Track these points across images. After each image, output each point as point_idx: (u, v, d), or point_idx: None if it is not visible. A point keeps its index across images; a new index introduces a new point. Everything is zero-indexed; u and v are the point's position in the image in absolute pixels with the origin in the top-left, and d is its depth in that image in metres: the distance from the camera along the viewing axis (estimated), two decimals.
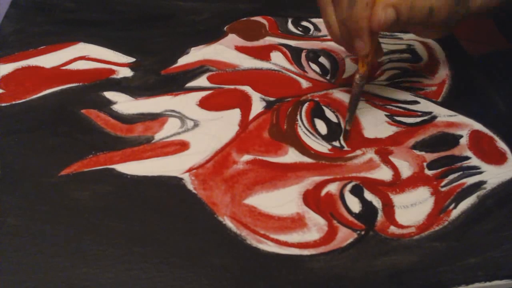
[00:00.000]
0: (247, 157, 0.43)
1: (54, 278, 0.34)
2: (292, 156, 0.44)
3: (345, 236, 0.38)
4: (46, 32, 0.54)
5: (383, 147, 0.45)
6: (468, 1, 0.41)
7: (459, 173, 0.43)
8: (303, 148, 0.44)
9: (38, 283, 0.34)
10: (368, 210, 0.40)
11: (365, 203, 0.40)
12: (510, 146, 0.46)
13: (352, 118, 0.46)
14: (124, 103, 0.47)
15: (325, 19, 0.44)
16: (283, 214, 0.39)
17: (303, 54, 0.54)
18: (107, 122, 0.45)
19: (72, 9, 0.58)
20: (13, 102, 0.46)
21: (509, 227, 0.40)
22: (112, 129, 0.44)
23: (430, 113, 0.49)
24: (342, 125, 0.46)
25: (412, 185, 0.42)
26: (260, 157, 0.43)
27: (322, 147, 0.45)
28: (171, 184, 0.41)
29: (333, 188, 0.41)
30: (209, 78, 0.50)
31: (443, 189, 0.42)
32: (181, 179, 0.41)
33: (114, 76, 0.50)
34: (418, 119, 0.48)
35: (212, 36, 0.56)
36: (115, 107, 0.47)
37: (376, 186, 0.42)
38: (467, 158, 0.45)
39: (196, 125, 0.46)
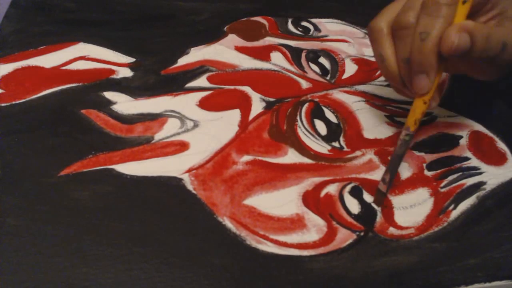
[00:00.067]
0: (246, 158, 0.43)
1: (54, 278, 0.34)
2: (291, 156, 0.44)
3: (344, 237, 0.38)
4: (46, 32, 0.54)
5: (383, 148, 0.45)
6: None
7: (458, 174, 0.43)
8: (303, 149, 0.44)
9: (38, 283, 0.34)
10: (367, 211, 0.40)
11: (364, 204, 0.40)
12: (510, 147, 0.46)
13: (392, 182, 0.40)
14: (124, 103, 0.47)
15: (378, 51, 0.40)
16: (283, 214, 0.39)
17: (303, 55, 0.54)
18: (107, 122, 0.45)
19: (72, 9, 0.58)
20: (13, 102, 0.46)
21: (509, 228, 0.40)
22: (112, 129, 0.44)
23: (430, 113, 0.49)
24: (342, 126, 0.46)
25: (411, 186, 0.42)
26: (260, 158, 0.43)
27: (322, 147, 0.45)
28: (171, 184, 0.41)
29: (332, 189, 0.41)
30: (209, 78, 0.50)
31: (442, 190, 0.42)
32: (180, 179, 0.41)
33: (114, 76, 0.50)
34: None
35: (212, 36, 0.56)
36: (115, 107, 0.47)
37: (376, 186, 0.42)
38: (467, 158, 0.45)
39: (196, 125, 0.46)
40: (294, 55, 0.54)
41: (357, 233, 0.38)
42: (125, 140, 0.44)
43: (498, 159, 0.45)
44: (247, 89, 0.50)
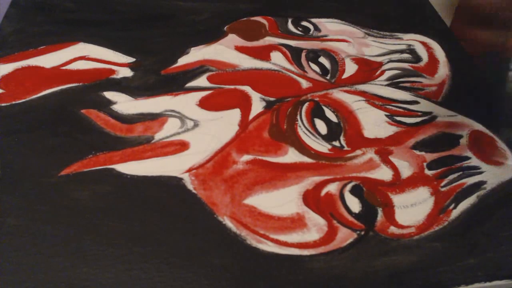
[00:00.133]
0: (247, 157, 0.43)
1: (54, 278, 0.34)
2: (292, 156, 0.44)
3: (345, 236, 0.38)
4: (46, 32, 0.54)
5: (383, 147, 0.45)
6: None
7: (459, 173, 0.43)
8: (303, 148, 0.44)
9: (38, 283, 0.34)
10: (368, 210, 0.40)
11: (365, 203, 0.40)
12: (510, 146, 0.46)
13: None
14: (124, 103, 0.47)
15: None
16: (283, 214, 0.39)
17: (303, 54, 0.54)
18: (107, 122, 0.45)
19: (72, 9, 0.58)
20: (13, 102, 0.46)
21: (509, 227, 0.40)
22: (112, 129, 0.44)
23: (430, 113, 0.49)
24: (342, 125, 0.46)
25: (412, 185, 0.42)
26: (260, 157, 0.43)
27: (322, 147, 0.45)
28: (171, 184, 0.41)
29: (333, 188, 0.41)
30: (209, 78, 0.50)
31: (443, 189, 0.42)
32: (181, 179, 0.41)
33: (114, 76, 0.50)
34: (418, 119, 0.48)
35: (212, 36, 0.56)
36: (115, 107, 0.47)
37: (376, 186, 0.42)
38: (467, 158, 0.45)
39: (196, 125, 0.46)
40: (294, 54, 0.54)
41: (358, 232, 0.38)
42: (125, 140, 0.44)
43: (498, 159, 0.45)
44: (247, 88, 0.50)
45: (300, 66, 0.53)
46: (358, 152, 0.45)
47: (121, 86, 0.49)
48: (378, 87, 0.51)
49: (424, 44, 0.58)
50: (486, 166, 0.44)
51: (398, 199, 0.41)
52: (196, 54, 0.53)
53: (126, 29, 0.56)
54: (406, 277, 0.36)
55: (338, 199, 0.40)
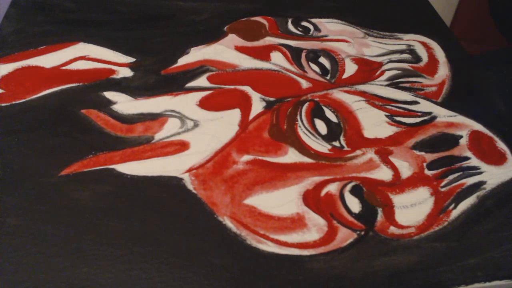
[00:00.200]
0: (247, 157, 0.43)
1: (54, 278, 0.34)
2: (292, 156, 0.44)
3: (345, 236, 0.38)
4: (46, 32, 0.54)
5: (383, 147, 0.45)
6: None
7: (459, 174, 0.43)
8: (303, 148, 0.44)
9: (38, 283, 0.34)
10: (368, 210, 0.40)
11: (365, 203, 0.40)
12: (510, 147, 0.46)
13: None
14: (124, 103, 0.47)
15: None
16: (283, 214, 0.39)
17: (303, 54, 0.54)
18: (107, 122, 0.45)
19: (72, 9, 0.58)
20: (13, 102, 0.46)
21: (509, 227, 0.40)
22: (112, 129, 0.44)
23: (430, 113, 0.49)
24: (342, 126, 0.46)
25: (412, 185, 0.42)
26: (260, 157, 0.43)
27: (322, 147, 0.45)
28: (171, 184, 0.41)
29: (333, 188, 0.41)
30: (209, 78, 0.50)
31: (443, 190, 0.42)
32: (181, 179, 0.41)
33: (114, 76, 0.50)
34: (418, 120, 0.48)
35: (212, 36, 0.56)
36: (115, 107, 0.47)
37: (376, 186, 0.42)
38: (467, 158, 0.45)
39: (196, 125, 0.46)
40: (294, 55, 0.54)
41: (358, 232, 0.38)
42: (125, 140, 0.44)
43: (498, 159, 0.45)
44: (247, 89, 0.50)
45: (300, 66, 0.53)
46: (358, 152, 0.45)
47: (121, 86, 0.49)
48: (378, 87, 0.51)
49: (424, 44, 0.58)
50: (486, 166, 0.44)
51: (398, 199, 0.41)
52: (196, 54, 0.53)
53: (126, 29, 0.56)
54: (406, 277, 0.36)
55: (338, 199, 0.40)
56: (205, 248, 0.37)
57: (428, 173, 0.43)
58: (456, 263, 0.37)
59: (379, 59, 0.55)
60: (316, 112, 0.48)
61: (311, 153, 0.44)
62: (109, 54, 0.52)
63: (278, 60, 0.54)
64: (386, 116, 0.48)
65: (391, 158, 0.44)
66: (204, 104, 0.48)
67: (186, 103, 0.48)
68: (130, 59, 0.52)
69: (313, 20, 0.60)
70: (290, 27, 0.59)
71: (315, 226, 0.39)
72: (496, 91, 0.52)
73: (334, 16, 0.61)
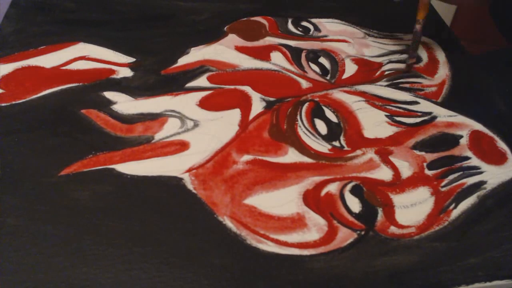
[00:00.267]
0: (247, 157, 0.43)
1: (54, 278, 0.34)
2: (292, 156, 0.44)
3: (345, 236, 0.38)
4: (46, 32, 0.54)
5: (383, 147, 0.45)
6: None
7: (459, 173, 0.43)
8: (303, 148, 0.44)
9: (38, 283, 0.34)
10: (368, 210, 0.40)
11: (365, 203, 0.40)
12: (510, 146, 0.46)
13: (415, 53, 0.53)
14: (124, 103, 0.47)
15: None
16: (283, 214, 0.39)
17: (303, 54, 0.54)
18: (107, 122, 0.45)
19: (72, 9, 0.58)
20: (13, 102, 0.46)
21: (509, 227, 0.40)
22: (112, 129, 0.44)
23: (430, 113, 0.49)
24: (342, 126, 0.46)
25: (412, 185, 0.42)
26: (260, 157, 0.43)
27: (322, 147, 0.45)
28: (171, 184, 0.41)
29: (333, 188, 0.41)
30: (209, 78, 0.50)
31: (443, 189, 0.42)
32: (181, 179, 0.41)
33: (114, 76, 0.50)
34: (418, 119, 0.48)
35: (212, 36, 0.56)
36: (115, 107, 0.47)
37: (376, 186, 0.42)
38: (467, 158, 0.45)
39: (196, 125, 0.46)
40: (294, 55, 0.54)
41: (358, 232, 0.38)
42: (125, 140, 0.44)
43: (498, 159, 0.45)
44: (247, 89, 0.50)
45: (300, 66, 0.53)
46: (358, 152, 0.45)
47: (121, 86, 0.49)
48: (378, 88, 0.51)
49: (424, 44, 0.58)
50: (486, 166, 0.44)
51: (398, 199, 0.41)
52: (196, 54, 0.53)
53: (126, 29, 0.56)
54: (406, 277, 0.36)
55: (338, 199, 0.40)
56: (205, 248, 0.37)
57: (428, 173, 0.43)
58: (456, 263, 0.37)
59: (379, 60, 0.55)
60: (316, 112, 0.47)
61: (311, 153, 0.44)
62: (109, 54, 0.52)
63: (278, 60, 0.54)
64: (386, 116, 0.48)
65: (391, 158, 0.44)
66: (204, 104, 0.48)
67: (186, 103, 0.48)
68: (130, 59, 0.52)
69: (313, 20, 0.60)
70: (290, 27, 0.59)
71: (315, 226, 0.39)
72: (496, 91, 0.52)
73: (334, 16, 0.61)
